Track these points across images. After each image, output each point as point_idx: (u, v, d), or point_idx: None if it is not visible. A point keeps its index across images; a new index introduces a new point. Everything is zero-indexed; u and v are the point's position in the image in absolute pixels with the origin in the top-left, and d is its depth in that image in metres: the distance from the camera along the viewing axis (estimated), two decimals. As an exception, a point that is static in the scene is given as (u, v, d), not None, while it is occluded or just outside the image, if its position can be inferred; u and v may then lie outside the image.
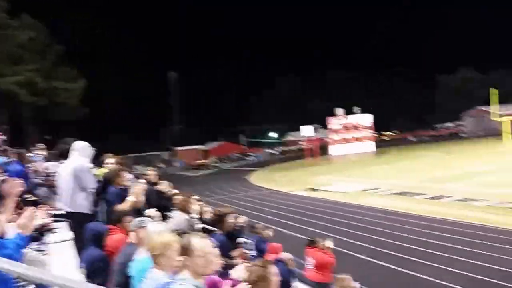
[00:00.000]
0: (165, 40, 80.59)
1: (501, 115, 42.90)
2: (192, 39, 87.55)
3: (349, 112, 49.22)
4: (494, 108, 43.27)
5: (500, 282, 8.00)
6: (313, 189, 22.83)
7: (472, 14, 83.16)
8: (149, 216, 4.53)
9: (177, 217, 5.59)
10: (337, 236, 11.54)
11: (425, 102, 78.88)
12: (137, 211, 4.80)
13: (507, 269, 8.60)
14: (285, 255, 6.76)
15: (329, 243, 6.96)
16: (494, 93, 41.59)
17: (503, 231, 11.48)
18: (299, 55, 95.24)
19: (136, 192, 5.09)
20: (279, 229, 13.27)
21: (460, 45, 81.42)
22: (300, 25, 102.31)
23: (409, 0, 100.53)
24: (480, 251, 9.89)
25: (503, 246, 10.15)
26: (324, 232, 11.96)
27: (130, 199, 4.95)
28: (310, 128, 54.77)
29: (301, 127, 56.52)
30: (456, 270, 8.83)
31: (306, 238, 7.83)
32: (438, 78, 78.96)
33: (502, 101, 44.13)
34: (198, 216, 6.41)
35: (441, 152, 39.09)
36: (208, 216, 6.78)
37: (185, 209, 5.84)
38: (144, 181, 6.69)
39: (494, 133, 47.47)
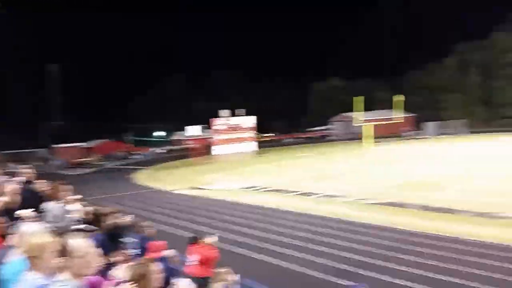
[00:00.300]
0: (48, 31, 73.49)
1: (362, 121, 47.30)
2: (77, 32, 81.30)
3: (233, 113, 50.12)
4: (357, 114, 47.60)
5: (355, 270, 8.87)
6: (197, 188, 22.85)
7: (337, 28, 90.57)
8: (24, 217, 4.17)
9: (51, 208, 5.23)
10: (218, 232, 11.72)
11: (300, 106, 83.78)
12: (10, 212, 4.38)
13: (363, 259, 9.56)
14: (169, 253, 6.71)
15: (211, 239, 7.05)
16: (357, 100, 45.67)
17: (362, 224, 12.72)
18: (185, 55, 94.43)
19: (9, 191, 4.64)
20: (163, 227, 13.08)
21: (331, 56, 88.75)
22: (186, 26, 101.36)
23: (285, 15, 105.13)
24: (341, 242, 10.85)
25: (359, 237, 11.26)
26: (205, 229, 12.07)
27: (2, 199, 4.49)
28: (195, 128, 54.70)
29: (187, 127, 56.19)
30: (320, 260, 9.57)
31: (189, 235, 7.83)
32: (311, 85, 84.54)
33: (366, 108, 48.61)
34: (78, 216, 6.04)
35: (313, 153, 41.90)
36: (88, 215, 6.43)
37: (55, 197, 5.50)
38: (19, 179, 6.12)
39: (357, 137, 52.15)
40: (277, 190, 19.99)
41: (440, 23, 75.31)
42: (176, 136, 68.54)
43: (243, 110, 50.45)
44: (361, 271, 8.71)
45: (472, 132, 53.21)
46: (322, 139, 66.41)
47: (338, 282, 8.24)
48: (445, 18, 75.18)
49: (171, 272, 6.00)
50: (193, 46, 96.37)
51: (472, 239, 10.37)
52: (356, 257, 9.64)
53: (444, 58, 71.06)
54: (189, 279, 6.03)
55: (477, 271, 8.26)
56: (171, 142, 68.94)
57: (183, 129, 58.81)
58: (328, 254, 9.96)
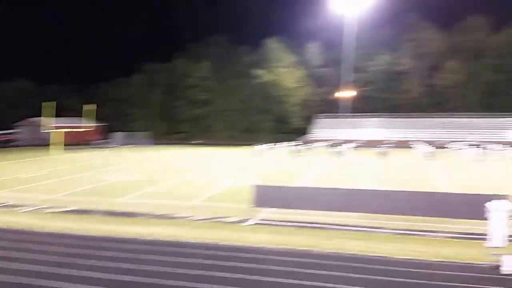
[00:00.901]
0: None
1: (52, 127, 43.95)
2: None
3: None
4: (46, 120, 43.90)
5: (34, 281, 8.06)
6: None
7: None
8: None
9: None
10: None
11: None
12: None
13: (44, 268, 8.81)
14: None
15: None
16: (47, 106, 42.16)
17: (43, 233, 11.70)
18: None
19: None
20: None
21: (17, 57, 78.94)
22: None
23: None
24: (19, 255, 9.67)
25: (39, 247, 10.31)
26: None
27: None
28: None
29: None
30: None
31: None
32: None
33: (56, 114, 45.41)
34: None
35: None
36: None
37: None
38: None
39: (45, 142, 47.81)
40: None
41: (130, 43, 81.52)
42: None
43: None
44: (40, 282, 7.97)
45: (155, 144, 57.46)
46: (7, 144, 57.44)
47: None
48: (137, 40, 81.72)
49: None
50: None
51: (149, 238, 11.10)
52: (38, 267, 8.78)
53: (132, 75, 75.20)
54: None
55: (150, 267, 8.88)
56: None
57: None
58: (4, 268, 8.67)
